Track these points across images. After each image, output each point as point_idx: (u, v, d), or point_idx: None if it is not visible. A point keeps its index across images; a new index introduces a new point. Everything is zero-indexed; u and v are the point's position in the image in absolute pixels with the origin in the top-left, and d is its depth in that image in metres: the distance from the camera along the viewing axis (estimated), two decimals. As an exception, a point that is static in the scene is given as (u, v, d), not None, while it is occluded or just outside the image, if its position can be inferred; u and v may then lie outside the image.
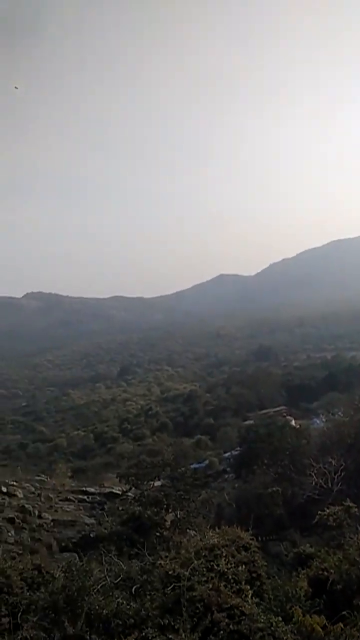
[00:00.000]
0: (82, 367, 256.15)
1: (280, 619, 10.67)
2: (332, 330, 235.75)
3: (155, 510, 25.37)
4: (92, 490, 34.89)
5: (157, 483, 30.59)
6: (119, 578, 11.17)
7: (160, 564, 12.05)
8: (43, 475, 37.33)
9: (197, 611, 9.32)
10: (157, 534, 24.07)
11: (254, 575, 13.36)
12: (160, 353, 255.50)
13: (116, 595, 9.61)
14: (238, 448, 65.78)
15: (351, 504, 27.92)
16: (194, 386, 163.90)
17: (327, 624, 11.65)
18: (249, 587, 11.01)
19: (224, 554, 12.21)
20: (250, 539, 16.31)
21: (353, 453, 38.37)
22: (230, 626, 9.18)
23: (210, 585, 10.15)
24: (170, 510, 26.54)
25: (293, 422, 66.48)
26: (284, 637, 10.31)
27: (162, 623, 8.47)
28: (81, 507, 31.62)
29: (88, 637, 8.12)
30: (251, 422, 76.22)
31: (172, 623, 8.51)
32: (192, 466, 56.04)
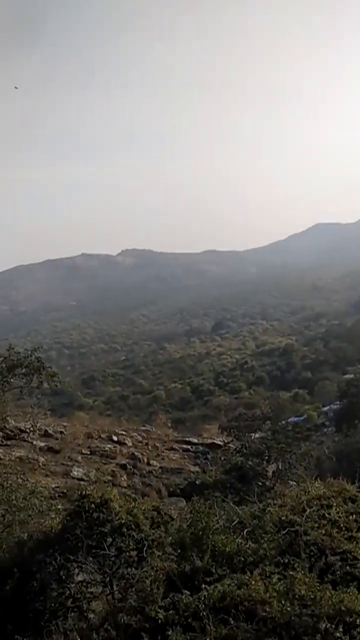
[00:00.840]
0: (177, 322, 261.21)
1: (390, 565, 11.00)
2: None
3: (257, 461, 26.03)
4: (194, 440, 36.36)
5: (257, 435, 31.29)
6: (235, 522, 11.97)
7: (269, 510, 12.76)
8: (148, 426, 39.38)
9: (312, 554, 9.89)
10: (259, 483, 24.84)
11: (362, 525, 13.69)
12: (254, 307, 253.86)
13: (235, 536, 10.42)
14: (338, 402, 65.16)
15: None
16: (290, 340, 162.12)
17: None
18: (360, 535, 11.38)
19: (335, 504, 12.62)
20: (357, 491, 16.57)
21: None
22: (344, 568, 9.67)
23: (323, 531, 10.65)
24: (271, 462, 27.10)
25: None
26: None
27: (281, 561, 9.14)
28: (186, 456, 33.20)
29: (214, 570, 8.96)
30: (351, 376, 74.81)
31: (291, 562, 9.14)
32: (290, 420, 56.50)
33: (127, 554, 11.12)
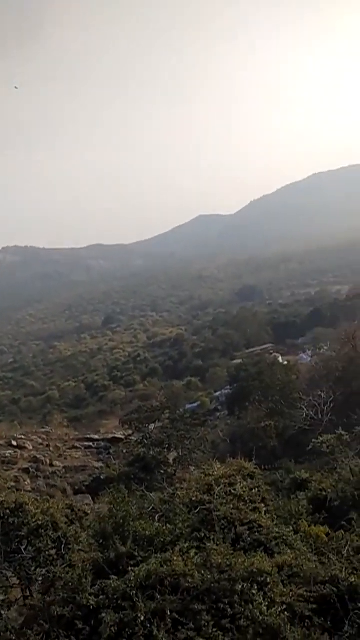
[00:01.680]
0: (66, 319, 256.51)
1: (291, 529, 12.41)
2: (316, 266, 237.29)
3: (158, 450, 26.98)
4: (96, 437, 36.61)
5: (157, 425, 32.24)
6: (150, 508, 12.72)
7: (178, 494, 13.75)
8: (47, 427, 38.90)
9: (224, 526, 10.92)
10: (162, 471, 25.83)
11: (262, 498, 15.12)
12: (143, 300, 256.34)
13: (152, 521, 11.16)
14: (228, 387, 68.43)
15: (343, 432, 30.27)
16: (180, 330, 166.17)
17: (329, 532, 13.51)
18: (263, 505, 12.64)
19: (238, 481, 13.85)
20: (254, 468, 18.13)
21: (341, 385, 40.64)
22: (252, 536, 10.82)
23: (232, 506, 11.74)
24: (172, 449, 28.18)
25: (280, 359, 68.92)
26: (295, 543, 12.08)
27: (197, 536, 10.03)
28: (88, 453, 33.36)
29: (137, 554, 9.61)
30: (240, 361, 78.80)
31: (207, 536, 10.07)
32: (187, 407, 58.43)
33: (47, 553, 11.42)
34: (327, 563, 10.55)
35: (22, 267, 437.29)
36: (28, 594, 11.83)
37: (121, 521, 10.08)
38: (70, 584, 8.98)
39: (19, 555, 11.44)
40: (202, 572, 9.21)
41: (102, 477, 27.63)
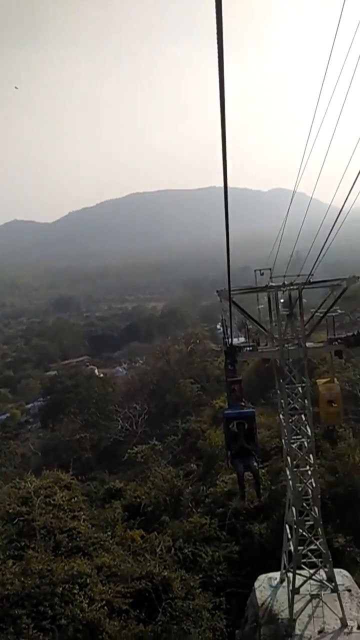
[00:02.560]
0: None
1: (108, 534, 13.07)
2: (133, 281, 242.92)
3: None
4: None
5: None
6: None
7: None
8: None
9: (43, 535, 11.12)
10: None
11: (80, 507, 15.58)
12: None
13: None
14: (41, 399, 66.88)
15: (156, 442, 32.11)
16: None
17: (144, 535, 14.50)
18: (82, 513, 13.10)
19: (57, 491, 14.12)
20: (71, 479, 18.50)
21: (155, 398, 42.96)
22: (73, 542, 11.22)
23: (51, 515, 12.00)
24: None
25: (96, 372, 69.66)
26: (111, 547, 12.76)
27: (18, 545, 10.10)
28: None
29: None
30: (54, 372, 77.54)
31: (27, 545, 10.19)
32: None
33: None
34: (143, 561, 11.43)
35: None
36: None
37: None
38: None
39: None
40: (22, 579, 9.32)
41: None
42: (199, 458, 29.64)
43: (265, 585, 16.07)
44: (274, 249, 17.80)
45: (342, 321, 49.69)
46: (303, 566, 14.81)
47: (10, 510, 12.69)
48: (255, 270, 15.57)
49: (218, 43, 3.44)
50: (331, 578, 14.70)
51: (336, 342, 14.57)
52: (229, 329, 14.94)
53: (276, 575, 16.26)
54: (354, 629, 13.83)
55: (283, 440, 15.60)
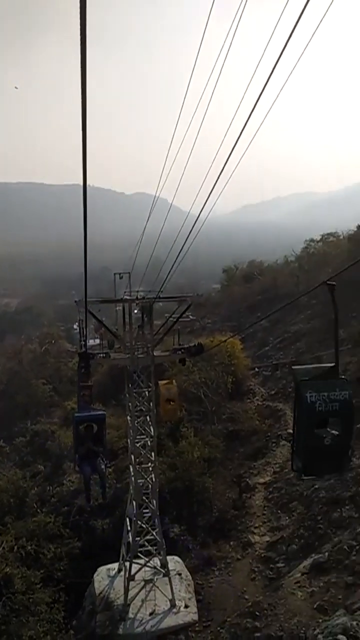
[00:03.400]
0: None
1: None
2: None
3: None
4: None
5: None
6: None
7: None
8: None
9: None
10: None
11: None
12: None
13: None
14: None
15: (3, 444, 31.49)
16: None
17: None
18: None
19: None
20: None
21: (4, 399, 41.76)
22: None
23: None
24: None
25: None
26: None
27: None
28: None
29: None
30: None
31: None
32: None
33: None
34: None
35: None
36: None
37: None
38: None
39: None
40: None
41: None
42: (48, 459, 29.75)
43: (104, 575, 17.05)
44: (134, 253, 18.89)
45: (193, 326, 52.86)
46: (140, 555, 16.06)
47: None
48: (115, 274, 16.47)
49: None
50: (164, 564, 16.13)
51: (180, 352, 15.99)
52: (84, 334, 15.68)
53: (115, 566, 17.32)
54: (182, 608, 15.35)
55: (129, 440, 16.73)
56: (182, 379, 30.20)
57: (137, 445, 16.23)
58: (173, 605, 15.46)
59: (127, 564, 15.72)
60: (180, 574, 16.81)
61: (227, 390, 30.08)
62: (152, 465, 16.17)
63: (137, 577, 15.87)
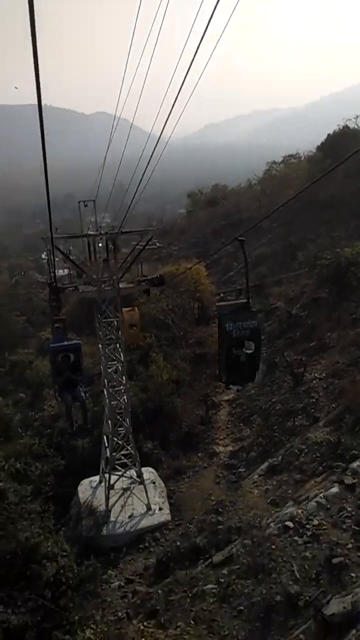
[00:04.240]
0: None
1: None
2: None
3: None
4: None
5: None
6: None
7: None
8: None
9: None
10: None
11: None
12: None
13: None
14: None
15: None
16: None
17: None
18: None
19: None
20: None
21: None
22: None
23: None
24: None
25: None
26: None
27: None
28: None
29: None
30: None
31: None
32: None
33: None
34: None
35: None
36: None
37: None
38: None
39: None
40: None
41: None
42: (27, 387, 31.20)
43: (87, 487, 19.03)
44: (98, 178, 18.83)
45: (160, 254, 53.20)
46: (117, 467, 17.94)
47: None
48: (79, 202, 16.64)
49: None
50: (139, 474, 18.10)
51: (144, 283, 17.01)
52: (52, 270, 16.27)
53: (96, 478, 19.28)
54: (156, 511, 17.48)
55: (102, 366, 18.07)
56: (150, 307, 31.44)
57: (110, 370, 17.61)
58: (149, 509, 17.54)
59: (107, 475, 17.58)
60: (154, 482, 18.84)
61: (193, 316, 31.42)
62: (124, 387, 17.68)
63: (116, 486, 17.86)
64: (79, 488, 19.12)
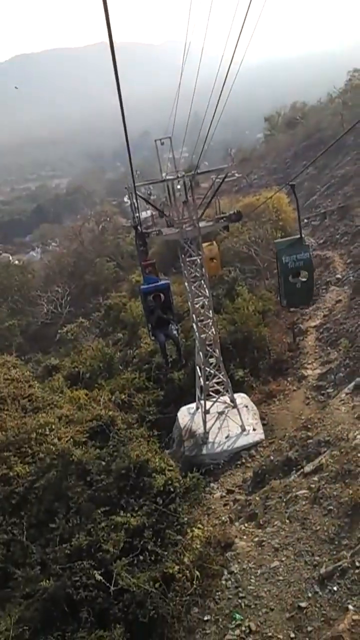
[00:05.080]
0: None
1: (60, 396, 16.62)
2: (31, 158, 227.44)
3: None
4: None
5: None
6: None
7: None
8: None
9: (10, 401, 14.43)
10: None
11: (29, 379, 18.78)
12: None
13: None
14: None
15: (82, 320, 35.51)
16: None
17: (87, 393, 18.25)
18: (35, 382, 16.45)
19: (10, 367, 17.23)
20: (15, 360, 21.55)
21: (74, 279, 45.50)
22: (32, 404, 14.66)
23: (12, 386, 15.23)
24: None
25: (11, 259, 69.98)
26: (64, 405, 16.38)
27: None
28: None
29: None
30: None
31: (2, 408, 13.50)
32: None
33: None
34: (91, 409, 15.19)
35: None
36: None
37: None
38: None
39: None
40: (3, 432, 12.78)
41: None
42: (124, 328, 33.50)
43: (185, 413, 20.87)
44: (173, 111, 18.90)
45: (240, 184, 52.58)
46: (212, 394, 19.52)
47: None
48: (155, 141, 17.04)
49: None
50: (232, 399, 19.58)
51: (222, 220, 17.68)
52: (136, 216, 17.02)
53: (193, 405, 21.01)
54: (250, 431, 18.93)
55: (189, 303, 19.35)
56: (232, 240, 31.97)
57: (197, 306, 18.87)
58: (243, 430, 19.04)
59: (202, 402, 19.22)
60: (247, 406, 20.25)
61: (277, 245, 31.55)
62: (211, 321, 18.92)
63: (211, 411, 19.49)
64: (179, 414, 21.01)
